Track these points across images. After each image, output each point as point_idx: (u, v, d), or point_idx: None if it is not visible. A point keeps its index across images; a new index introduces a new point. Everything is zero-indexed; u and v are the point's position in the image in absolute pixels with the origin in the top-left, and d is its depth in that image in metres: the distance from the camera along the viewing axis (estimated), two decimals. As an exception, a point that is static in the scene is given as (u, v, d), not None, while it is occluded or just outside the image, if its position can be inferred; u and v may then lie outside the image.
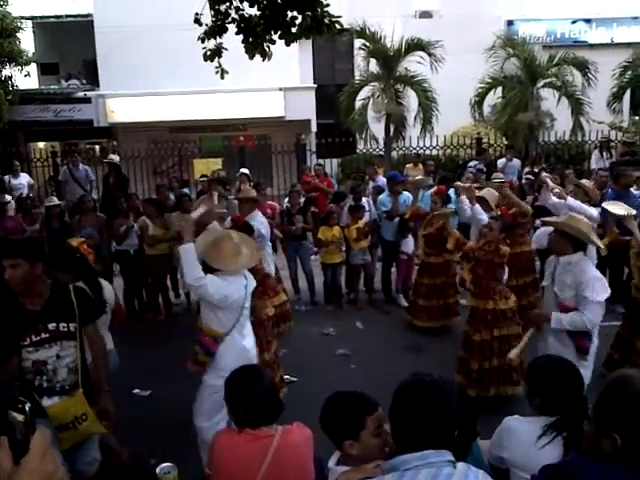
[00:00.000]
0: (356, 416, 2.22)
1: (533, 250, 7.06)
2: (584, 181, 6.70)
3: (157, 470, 2.36)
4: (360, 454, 2.20)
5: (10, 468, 1.00)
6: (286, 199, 8.91)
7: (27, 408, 1.06)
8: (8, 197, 8.75)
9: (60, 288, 3.44)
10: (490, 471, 2.52)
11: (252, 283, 4.31)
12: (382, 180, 10.06)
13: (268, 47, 6.77)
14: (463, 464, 1.79)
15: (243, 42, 6.75)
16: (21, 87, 15.80)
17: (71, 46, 17.72)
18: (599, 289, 4.01)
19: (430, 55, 14.32)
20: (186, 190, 11.06)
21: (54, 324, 3.29)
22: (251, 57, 6.78)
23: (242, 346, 4.17)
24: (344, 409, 2.28)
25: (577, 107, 14.50)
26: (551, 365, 2.60)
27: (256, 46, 6.74)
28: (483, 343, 5.24)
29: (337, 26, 6.62)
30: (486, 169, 11.35)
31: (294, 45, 7.08)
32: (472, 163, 11.95)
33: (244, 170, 11.25)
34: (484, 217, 5.87)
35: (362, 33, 14.54)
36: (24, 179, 11.34)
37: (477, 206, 6.00)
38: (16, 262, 3.18)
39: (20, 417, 1.05)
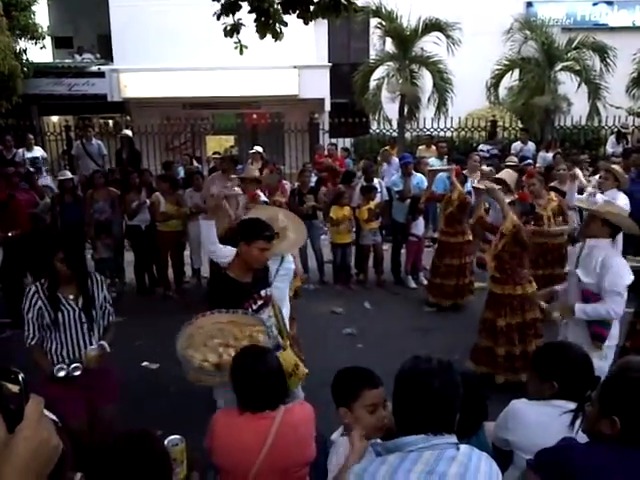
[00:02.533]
0: (352, 385, 2.36)
1: (565, 239, 6.78)
2: (614, 166, 6.59)
3: (165, 442, 2.39)
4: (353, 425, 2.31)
5: (4, 436, 1.02)
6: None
7: (21, 378, 1.08)
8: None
9: None
10: (493, 453, 2.55)
11: (287, 266, 4.29)
12: (395, 161, 10.04)
13: (280, 28, 6.71)
14: (466, 446, 1.81)
15: (255, 21, 6.69)
16: (35, 60, 15.80)
17: (86, 20, 17.68)
18: (619, 278, 3.95)
19: (447, 36, 14.13)
20: (198, 166, 11.09)
21: (263, 291, 3.71)
22: (262, 37, 6.74)
23: None
24: (345, 377, 2.44)
25: (595, 92, 14.29)
26: (567, 349, 2.59)
27: (268, 26, 6.68)
28: (509, 328, 5.16)
29: (354, 8, 6.55)
30: (500, 153, 11.25)
31: (309, 23, 7.01)
32: (485, 147, 11.84)
33: (257, 148, 11.22)
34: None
35: (378, 12, 14.35)
36: (38, 152, 11.37)
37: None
38: (266, 246, 3.55)
39: (15, 388, 1.07)
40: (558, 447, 1.95)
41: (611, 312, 3.98)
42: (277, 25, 6.76)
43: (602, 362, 4.13)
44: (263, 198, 6.30)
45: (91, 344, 3.55)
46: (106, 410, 3.67)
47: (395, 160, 10.36)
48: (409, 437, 1.76)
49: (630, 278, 4.03)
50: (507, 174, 6.59)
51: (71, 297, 3.52)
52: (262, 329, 3.32)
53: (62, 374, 3.35)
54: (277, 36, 6.78)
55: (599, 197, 6.45)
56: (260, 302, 3.65)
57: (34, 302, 3.46)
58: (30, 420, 1.05)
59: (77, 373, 3.37)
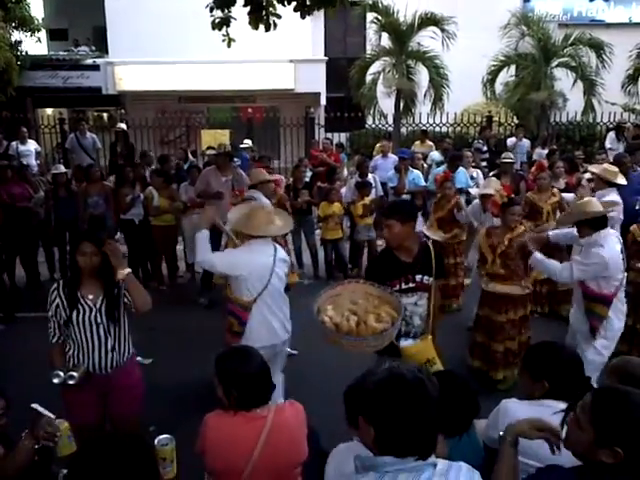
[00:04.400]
0: None
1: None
2: (602, 167, 6.50)
3: (155, 442, 2.38)
4: None
5: None
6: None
7: None
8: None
9: (424, 247, 3.91)
10: (484, 451, 2.55)
11: (281, 256, 4.26)
12: (393, 157, 10.01)
13: (274, 21, 6.70)
14: (444, 463, 1.74)
15: (249, 14, 6.68)
16: (30, 52, 15.71)
17: (80, 12, 17.54)
18: (592, 261, 4.16)
19: (443, 31, 14.12)
20: (193, 160, 11.07)
21: (420, 276, 3.76)
22: (254, 28, 6.73)
23: (268, 320, 4.16)
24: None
25: (590, 88, 14.30)
26: (558, 349, 2.60)
27: (261, 18, 6.67)
28: (511, 324, 5.14)
29: (349, 0, 6.56)
30: (486, 148, 11.18)
31: (306, 17, 6.99)
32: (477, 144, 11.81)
33: (247, 141, 11.19)
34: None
35: (375, 6, 14.33)
36: (32, 146, 11.32)
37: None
38: (390, 223, 3.66)
39: None
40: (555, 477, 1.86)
41: (557, 274, 4.34)
42: (270, 17, 6.75)
43: (597, 357, 4.22)
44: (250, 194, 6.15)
45: (106, 347, 3.35)
46: (122, 420, 3.47)
47: (391, 155, 10.30)
48: (386, 457, 1.68)
49: (604, 269, 4.18)
50: (494, 183, 6.58)
51: (90, 296, 3.31)
52: (393, 315, 3.29)
53: (55, 381, 3.17)
54: (269, 27, 6.77)
55: (569, 196, 6.55)
56: (411, 284, 3.72)
57: (53, 299, 3.31)
58: None
59: (71, 382, 3.15)
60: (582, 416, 1.81)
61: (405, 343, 3.65)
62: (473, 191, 7.38)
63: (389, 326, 3.19)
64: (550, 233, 4.89)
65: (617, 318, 4.38)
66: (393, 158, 9.60)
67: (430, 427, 1.70)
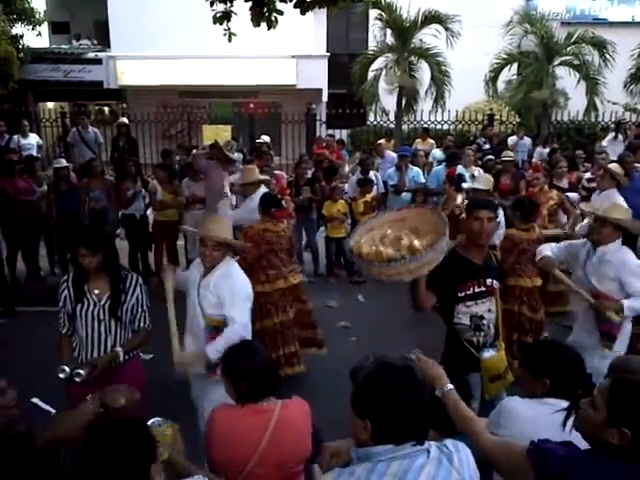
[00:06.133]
0: None
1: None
2: (612, 165, 6.50)
3: (149, 423, 2.37)
4: None
5: None
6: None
7: None
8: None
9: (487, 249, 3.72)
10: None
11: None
12: (389, 155, 9.99)
13: (275, 17, 6.68)
14: (437, 450, 1.76)
15: (250, 10, 6.65)
16: (32, 46, 15.67)
17: (83, 5, 17.51)
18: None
19: (446, 28, 14.10)
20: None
21: (490, 280, 3.56)
22: (256, 25, 6.70)
23: None
24: None
25: (592, 87, 14.29)
26: (558, 347, 2.62)
27: (263, 15, 6.65)
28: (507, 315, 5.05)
29: None
30: (489, 146, 11.17)
31: (308, 12, 6.97)
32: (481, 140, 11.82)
33: (265, 137, 11.11)
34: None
35: (378, 3, 14.30)
36: (33, 139, 11.29)
37: None
38: (489, 215, 3.50)
39: None
40: (565, 457, 1.88)
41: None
42: (272, 14, 6.73)
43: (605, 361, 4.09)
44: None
45: (105, 345, 3.38)
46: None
47: (389, 154, 10.29)
48: (378, 447, 1.71)
49: None
50: (486, 179, 6.54)
51: (96, 291, 3.36)
52: (416, 248, 3.01)
53: (62, 376, 3.16)
54: (271, 25, 6.74)
55: (574, 196, 6.47)
56: (482, 288, 3.52)
57: (62, 291, 3.39)
58: None
59: (78, 379, 3.11)
60: (598, 397, 1.87)
61: (487, 355, 3.51)
62: (466, 186, 7.38)
63: (398, 256, 2.98)
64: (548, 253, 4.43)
65: (628, 321, 4.17)
66: (391, 156, 9.62)
67: (424, 409, 1.74)
